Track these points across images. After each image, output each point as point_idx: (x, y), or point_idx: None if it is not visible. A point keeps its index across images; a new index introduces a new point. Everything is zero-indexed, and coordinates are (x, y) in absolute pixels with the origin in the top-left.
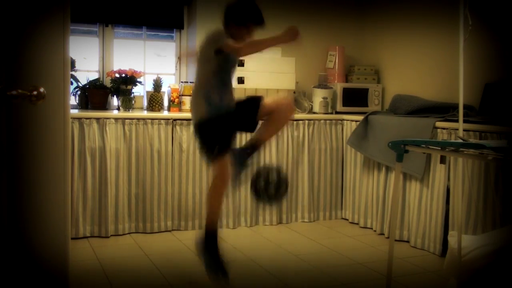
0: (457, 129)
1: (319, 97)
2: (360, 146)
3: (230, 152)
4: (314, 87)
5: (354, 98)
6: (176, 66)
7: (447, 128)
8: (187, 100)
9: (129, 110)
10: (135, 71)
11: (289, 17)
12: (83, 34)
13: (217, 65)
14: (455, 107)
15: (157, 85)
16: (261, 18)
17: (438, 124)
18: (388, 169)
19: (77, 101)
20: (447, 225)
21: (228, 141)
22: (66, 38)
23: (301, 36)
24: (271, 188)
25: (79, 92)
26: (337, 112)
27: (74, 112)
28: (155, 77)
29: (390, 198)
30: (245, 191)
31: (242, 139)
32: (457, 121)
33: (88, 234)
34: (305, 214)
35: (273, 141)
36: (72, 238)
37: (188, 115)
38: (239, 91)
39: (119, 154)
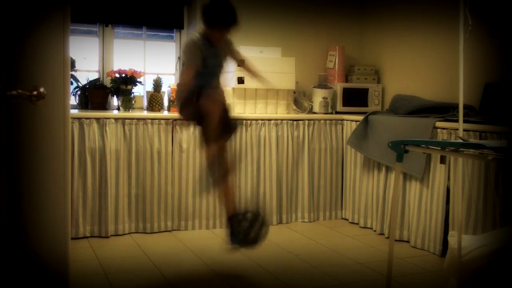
0: (457, 129)
1: (319, 97)
2: (360, 146)
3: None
4: (314, 87)
5: (354, 98)
6: (176, 66)
7: (447, 128)
8: None
9: (129, 110)
10: (135, 71)
11: (290, 17)
12: (83, 34)
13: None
14: (455, 107)
15: (157, 85)
16: (230, 19)
17: (438, 124)
18: (388, 169)
19: (77, 101)
20: (447, 225)
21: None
22: (66, 38)
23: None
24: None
25: (79, 92)
26: (337, 112)
27: (74, 112)
28: (155, 77)
29: (390, 198)
30: (245, 191)
31: None
32: (457, 121)
33: (88, 234)
34: (305, 214)
35: (273, 141)
36: (72, 238)
37: None
38: (239, 91)
39: (119, 154)
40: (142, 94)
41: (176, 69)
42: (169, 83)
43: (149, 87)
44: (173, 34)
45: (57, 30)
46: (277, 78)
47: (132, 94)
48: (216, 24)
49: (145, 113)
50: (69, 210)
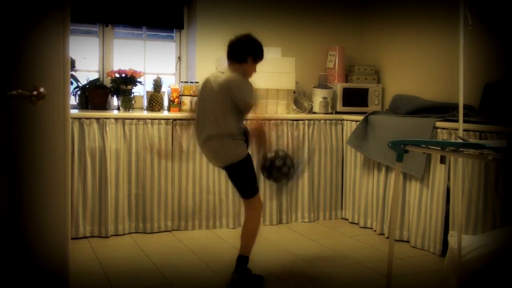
0: (457, 129)
1: (319, 97)
2: (360, 146)
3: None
4: (314, 87)
5: (354, 98)
6: (176, 66)
7: (447, 128)
8: (187, 100)
9: (129, 110)
10: (135, 71)
11: (290, 17)
12: (83, 34)
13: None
14: (455, 107)
15: (157, 85)
16: (262, 53)
17: (438, 124)
18: (388, 169)
19: (77, 101)
20: (447, 225)
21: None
22: (66, 38)
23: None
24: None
25: (79, 92)
26: (337, 112)
27: (74, 112)
28: (155, 77)
29: (390, 198)
30: None
31: None
32: (457, 121)
33: (88, 234)
34: (305, 214)
35: (273, 141)
36: (72, 238)
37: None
38: None
39: (119, 154)
40: (142, 94)
41: (176, 69)
42: (169, 83)
43: (149, 87)
44: (173, 34)
45: (57, 30)
46: (277, 78)
47: (132, 94)
48: (262, 58)
49: (145, 113)
50: (69, 210)
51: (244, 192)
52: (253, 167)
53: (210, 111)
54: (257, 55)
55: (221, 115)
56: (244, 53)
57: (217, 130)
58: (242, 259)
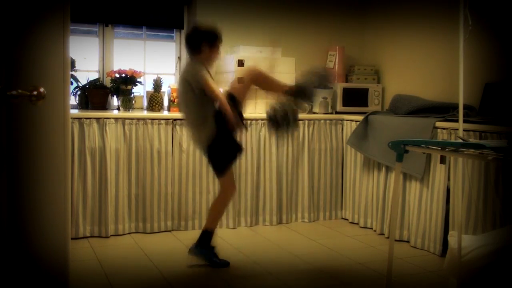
0: (457, 129)
1: (319, 97)
2: (360, 146)
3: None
4: (314, 87)
5: (354, 98)
6: (176, 66)
7: (447, 128)
8: None
9: (129, 110)
10: (135, 71)
11: (290, 17)
12: (83, 34)
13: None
14: (455, 107)
15: (157, 85)
16: (216, 37)
17: (438, 124)
18: (388, 169)
19: (77, 101)
20: (447, 225)
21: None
22: (66, 38)
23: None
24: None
25: (79, 92)
26: (337, 112)
27: (74, 112)
28: (155, 77)
29: (390, 198)
30: (244, 191)
31: None
32: (457, 121)
33: (88, 234)
34: (305, 214)
35: (273, 141)
36: (72, 238)
37: None
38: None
39: (119, 154)
40: (142, 94)
41: (176, 69)
42: (169, 83)
43: (149, 87)
44: (173, 34)
45: (57, 30)
46: (277, 78)
47: (132, 94)
48: (219, 41)
49: (145, 113)
50: (69, 210)
51: (215, 169)
52: (223, 147)
53: (182, 103)
54: (211, 40)
55: (185, 105)
56: (197, 44)
57: (188, 118)
58: (206, 233)
